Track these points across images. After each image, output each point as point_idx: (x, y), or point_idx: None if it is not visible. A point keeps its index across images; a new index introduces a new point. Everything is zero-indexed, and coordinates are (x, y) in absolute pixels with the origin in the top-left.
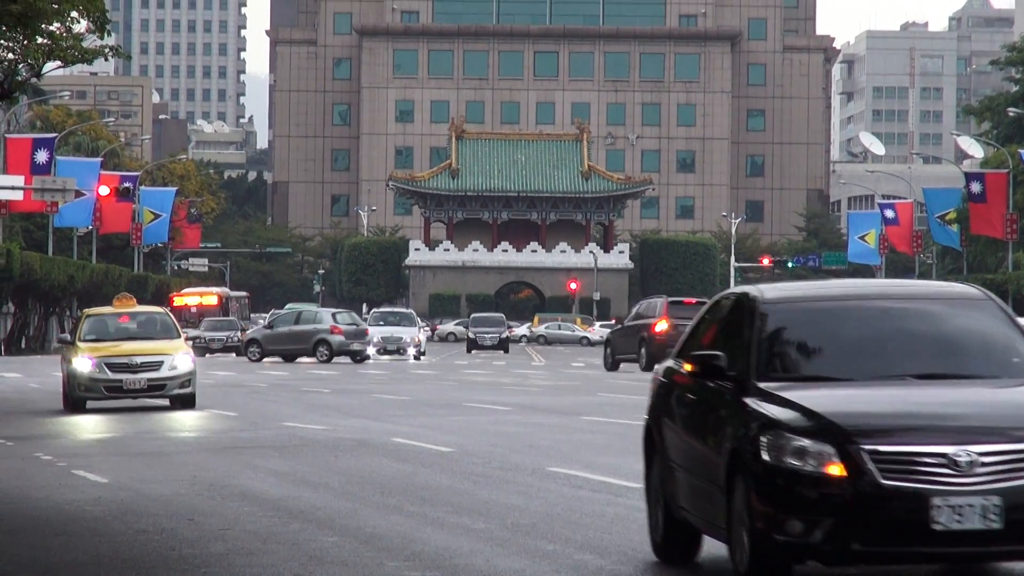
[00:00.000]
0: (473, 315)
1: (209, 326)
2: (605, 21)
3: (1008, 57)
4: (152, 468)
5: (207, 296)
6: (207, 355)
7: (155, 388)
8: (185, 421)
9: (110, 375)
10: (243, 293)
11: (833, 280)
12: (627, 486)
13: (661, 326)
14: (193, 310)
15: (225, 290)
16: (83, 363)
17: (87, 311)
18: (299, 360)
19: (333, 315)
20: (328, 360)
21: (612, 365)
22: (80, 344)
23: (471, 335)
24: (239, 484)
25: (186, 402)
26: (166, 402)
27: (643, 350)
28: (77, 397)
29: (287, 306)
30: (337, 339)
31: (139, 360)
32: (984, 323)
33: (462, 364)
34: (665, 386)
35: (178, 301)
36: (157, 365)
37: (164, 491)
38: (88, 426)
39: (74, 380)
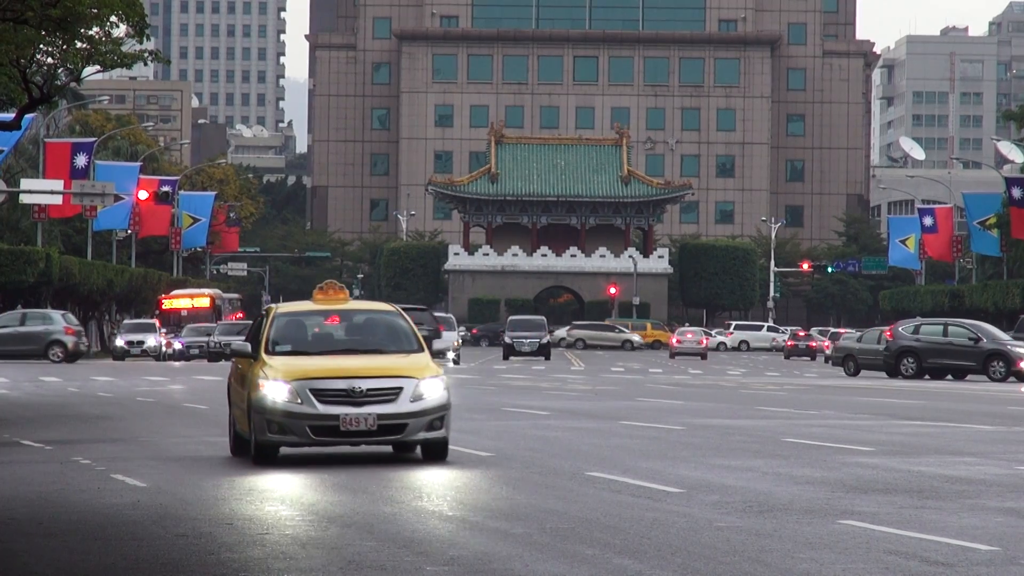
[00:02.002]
0: (510, 318)
1: (192, 332)
2: (644, 26)
3: None
4: (191, 472)
5: (199, 298)
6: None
7: (389, 430)
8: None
9: (319, 408)
10: (236, 295)
11: None
12: (666, 491)
13: None
14: (184, 313)
15: (217, 292)
16: (275, 389)
17: (277, 308)
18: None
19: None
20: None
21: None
22: (267, 358)
23: (507, 340)
24: (277, 488)
25: (436, 451)
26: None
27: None
28: (264, 442)
29: None
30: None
31: (364, 385)
32: None
33: (500, 368)
34: None
35: (168, 304)
36: (393, 393)
37: (203, 495)
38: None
39: (260, 415)
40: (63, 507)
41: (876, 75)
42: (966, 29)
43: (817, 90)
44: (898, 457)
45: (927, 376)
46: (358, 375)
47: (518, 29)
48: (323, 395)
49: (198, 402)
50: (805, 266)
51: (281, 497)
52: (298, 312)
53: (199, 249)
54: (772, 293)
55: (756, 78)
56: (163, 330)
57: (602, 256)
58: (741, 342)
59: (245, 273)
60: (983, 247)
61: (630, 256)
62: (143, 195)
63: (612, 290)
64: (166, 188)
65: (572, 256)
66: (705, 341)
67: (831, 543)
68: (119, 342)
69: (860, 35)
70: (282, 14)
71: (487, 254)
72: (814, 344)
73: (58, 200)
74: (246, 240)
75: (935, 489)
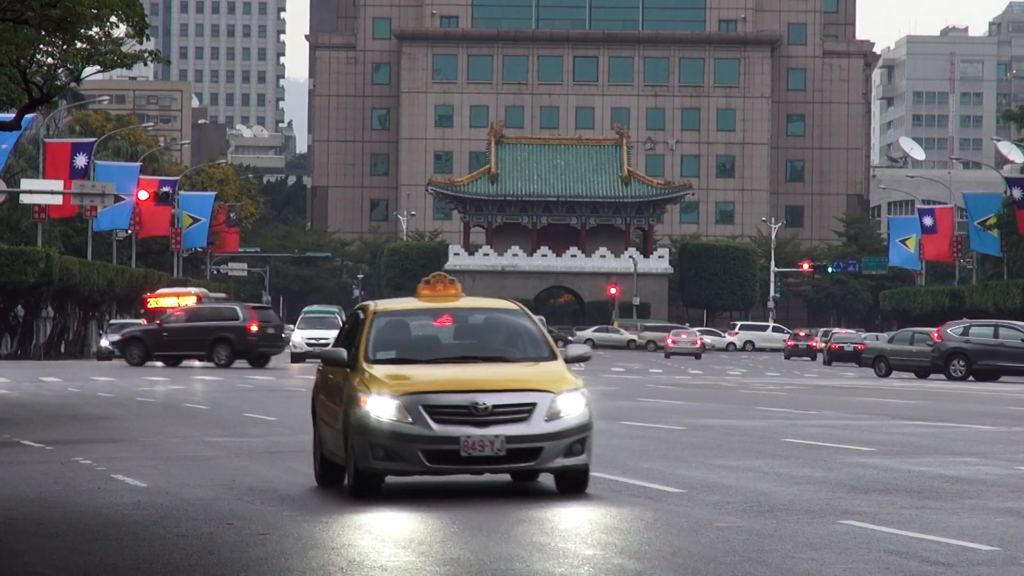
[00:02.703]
0: None
1: None
2: (644, 26)
3: None
4: (191, 473)
5: (185, 297)
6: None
7: (520, 455)
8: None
9: (434, 429)
10: (222, 295)
11: None
12: (666, 491)
13: None
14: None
15: (203, 290)
16: (380, 406)
17: (376, 307)
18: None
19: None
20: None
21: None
22: (368, 367)
23: None
24: (278, 488)
25: (574, 481)
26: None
27: None
28: (367, 469)
29: None
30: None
31: (489, 401)
32: None
33: None
34: None
35: (153, 303)
36: (524, 411)
37: (204, 495)
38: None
39: (362, 437)
40: (64, 507)
41: (876, 75)
42: (966, 29)
43: (817, 90)
44: (898, 457)
45: (971, 378)
46: (481, 388)
47: (518, 29)
48: (439, 413)
49: (198, 402)
50: (805, 266)
51: (282, 497)
52: (402, 311)
53: (199, 249)
54: (772, 293)
55: (756, 78)
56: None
57: (602, 256)
58: (746, 342)
59: (245, 273)
60: (983, 247)
61: (630, 256)
62: (143, 195)
63: (612, 290)
64: (166, 188)
65: (572, 256)
66: (700, 341)
67: (831, 543)
68: (104, 343)
69: (860, 35)
70: (282, 14)
71: (487, 254)
72: (814, 344)
73: (58, 200)
74: (246, 240)
75: (935, 489)
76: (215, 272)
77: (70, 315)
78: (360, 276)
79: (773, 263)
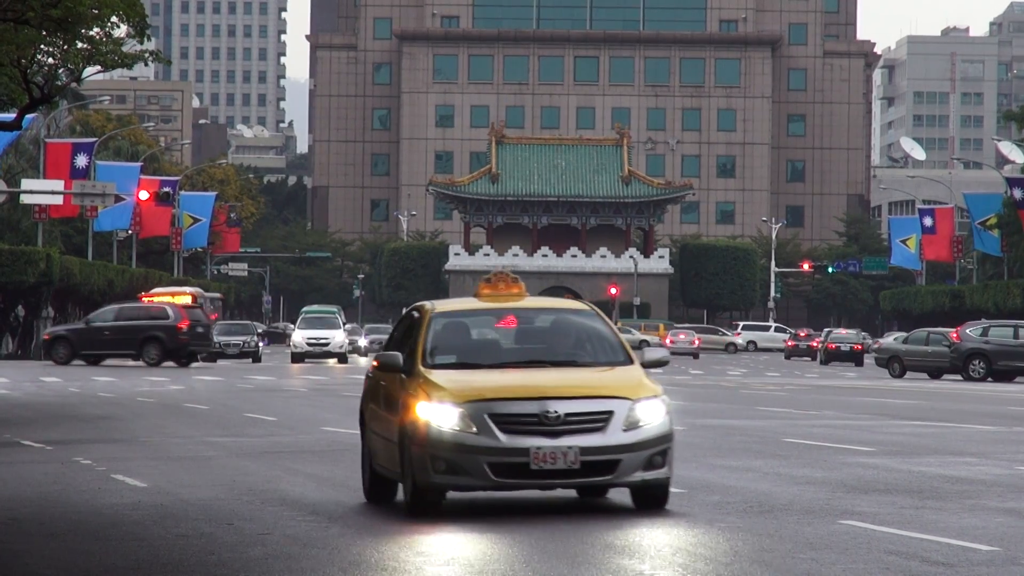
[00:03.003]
0: None
1: None
2: (645, 26)
3: None
4: (191, 473)
5: (180, 296)
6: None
7: (596, 469)
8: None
9: (502, 440)
10: (217, 294)
11: None
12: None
13: None
14: None
15: (199, 290)
16: (442, 414)
17: (434, 307)
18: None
19: None
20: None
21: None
22: (426, 372)
23: None
24: (278, 489)
25: (654, 496)
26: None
27: None
28: (427, 484)
29: None
30: None
31: (562, 409)
32: None
33: None
34: None
35: (147, 301)
36: (600, 420)
37: (203, 496)
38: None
39: (421, 448)
40: (64, 507)
41: (877, 75)
42: (967, 29)
43: (818, 90)
44: (898, 457)
45: (990, 379)
46: (552, 395)
47: (519, 29)
48: (507, 422)
49: (198, 402)
50: (806, 266)
51: (282, 498)
52: (462, 312)
53: (200, 250)
54: (773, 293)
55: (757, 78)
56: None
57: (603, 256)
58: (749, 342)
59: (246, 273)
60: (984, 245)
61: (631, 256)
62: (144, 195)
63: (613, 290)
64: (167, 188)
65: (573, 256)
66: (698, 341)
67: (831, 543)
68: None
69: (861, 35)
70: (283, 14)
71: (488, 254)
72: (815, 344)
73: (59, 200)
74: (247, 240)
75: (935, 489)
76: (215, 272)
77: (70, 315)
78: (360, 276)
79: (773, 263)
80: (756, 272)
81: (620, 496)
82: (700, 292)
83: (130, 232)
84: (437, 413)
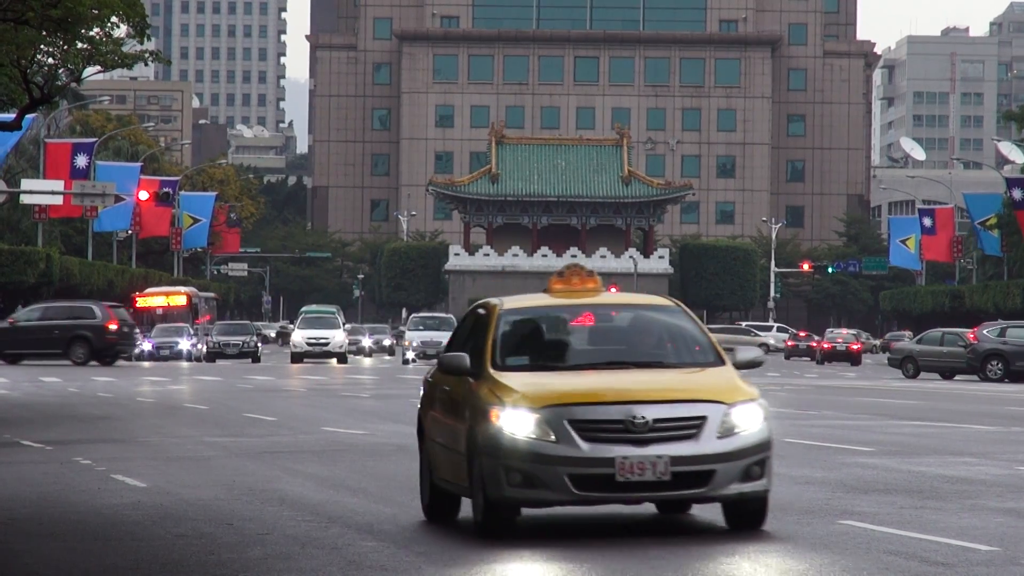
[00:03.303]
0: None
1: (162, 332)
2: (645, 26)
3: None
4: (191, 473)
5: (174, 296)
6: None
7: (688, 480)
8: None
9: (583, 448)
10: (212, 294)
11: None
12: None
13: None
14: (159, 312)
15: (193, 290)
16: (516, 421)
17: (502, 304)
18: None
19: None
20: None
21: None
22: (497, 375)
23: None
24: (278, 489)
25: (751, 512)
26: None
27: None
28: (500, 499)
29: None
30: None
31: (649, 414)
32: None
33: None
34: None
35: (141, 302)
36: (693, 426)
37: (203, 496)
38: None
39: (493, 459)
40: (64, 507)
41: (877, 75)
42: (967, 29)
43: (818, 90)
44: (898, 457)
45: (1006, 380)
46: (639, 399)
47: (519, 29)
48: (589, 429)
49: (198, 402)
50: (805, 266)
51: (281, 498)
52: (533, 308)
53: (200, 250)
54: (773, 293)
55: (756, 78)
56: (137, 330)
57: (603, 256)
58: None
59: (246, 274)
60: (985, 245)
61: (631, 256)
62: (144, 196)
63: (612, 290)
64: (167, 189)
65: (572, 256)
66: None
67: (831, 543)
68: None
69: (860, 35)
70: (283, 14)
71: (488, 254)
72: (815, 344)
73: (59, 200)
74: (247, 241)
75: (935, 489)
76: (215, 272)
77: None
78: (360, 276)
79: (773, 263)
80: (756, 272)
81: (706, 512)
82: (700, 292)
83: (130, 232)
84: (511, 419)
